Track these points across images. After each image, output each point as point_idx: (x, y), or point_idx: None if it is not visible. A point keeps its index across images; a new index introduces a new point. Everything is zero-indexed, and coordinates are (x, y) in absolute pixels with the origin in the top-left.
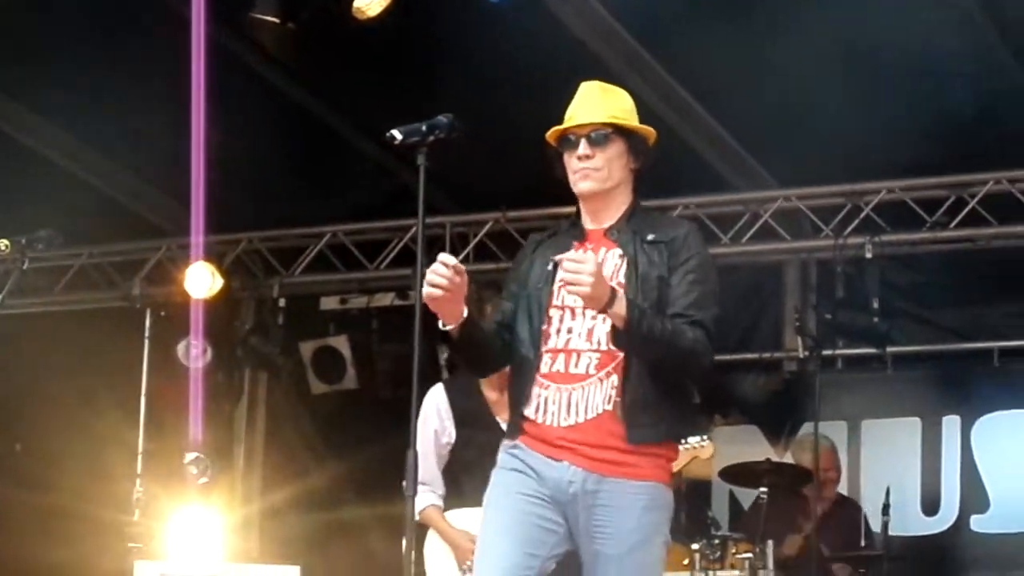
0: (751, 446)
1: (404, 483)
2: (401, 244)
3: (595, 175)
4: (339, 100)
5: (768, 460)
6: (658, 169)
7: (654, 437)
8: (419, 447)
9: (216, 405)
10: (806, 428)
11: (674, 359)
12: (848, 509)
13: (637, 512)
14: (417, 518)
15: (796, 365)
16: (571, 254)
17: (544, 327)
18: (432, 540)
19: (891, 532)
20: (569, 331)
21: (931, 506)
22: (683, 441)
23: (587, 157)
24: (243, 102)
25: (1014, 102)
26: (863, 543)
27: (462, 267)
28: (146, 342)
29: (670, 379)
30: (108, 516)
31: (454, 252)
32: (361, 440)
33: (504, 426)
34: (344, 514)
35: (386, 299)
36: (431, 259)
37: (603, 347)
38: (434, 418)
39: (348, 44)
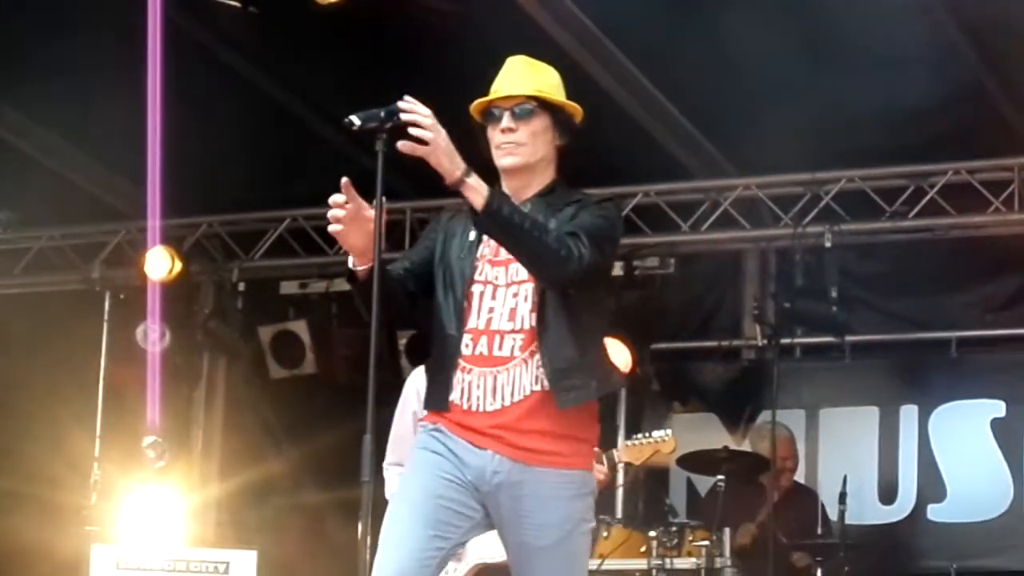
0: (709, 434)
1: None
2: None
3: (518, 150)
4: (299, 85)
5: (726, 448)
6: (618, 157)
7: (585, 397)
8: (396, 428)
9: (175, 389)
10: (764, 416)
11: (536, 253)
12: (804, 497)
13: (564, 502)
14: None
15: (755, 353)
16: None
17: (465, 303)
18: None
19: (848, 521)
20: (491, 310)
21: (888, 495)
22: (646, 435)
23: (510, 130)
24: (203, 86)
25: (974, 92)
26: (820, 531)
27: (356, 196)
28: (105, 325)
29: (587, 339)
30: (66, 499)
31: (414, 237)
32: (319, 425)
33: None
34: (302, 498)
35: (346, 284)
36: (391, 245)
37: (526, 326)
38: (413, 400)
39: (308, 29)
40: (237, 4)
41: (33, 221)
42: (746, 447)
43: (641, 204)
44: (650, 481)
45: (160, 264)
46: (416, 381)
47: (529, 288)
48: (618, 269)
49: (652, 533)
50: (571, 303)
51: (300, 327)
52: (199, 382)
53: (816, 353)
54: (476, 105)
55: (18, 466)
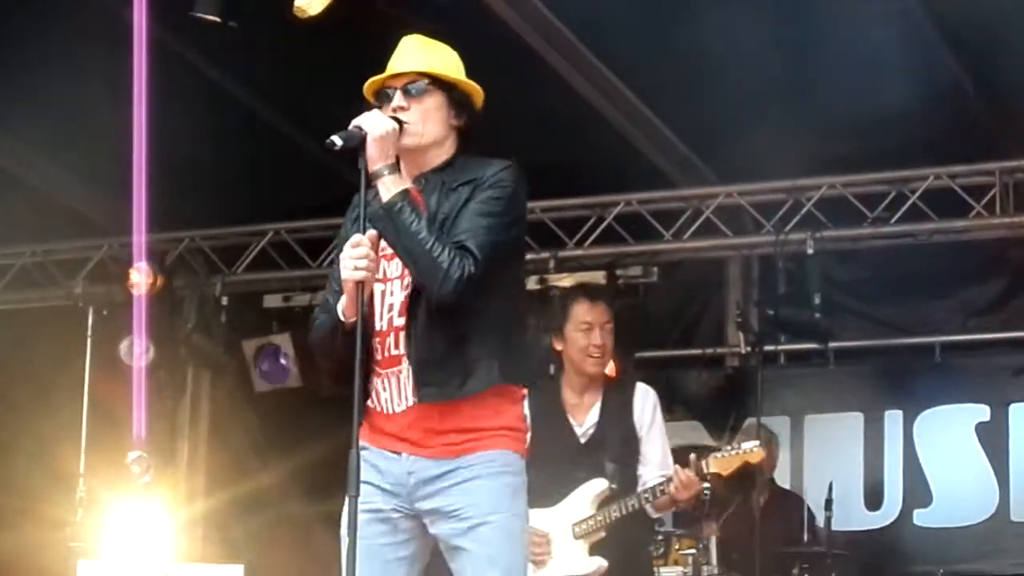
0: (694, 442)
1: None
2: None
3: (409, 129)
4: (281, 99)
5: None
6: (599, 166)
7: (444, 396)
8: None
9: (159, 403)
10: (749, 423)
11: (423, 264)
12: (790, 503)
13: (486, 480)
14: None
15: (738, 361)
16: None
17: (374, 306)
18: None
19: (834, 527)
20: (390, 308)
21: (874, 500)
22: (735, 446)
23: (401, 109)
24: (185, 100)
25: (953, 97)
26: (806, 538)
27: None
28: (88, 341)
29: (463, 331)
30: (51, 514)
31: None
32: (304, 438)
33: (577, 429)
34: (288, 512)
35: None
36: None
37: None
38: None
39: (290, 43)
40: (218, 19)
41: (15, 237)
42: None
43: (623, 213)
44: None
45: (144, 279)
46: None
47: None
48: (600, 278)
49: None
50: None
51: (284, 340)
52: (183, 396)
53: (800, 360)
54: (368, 86)
55: (3, 482)
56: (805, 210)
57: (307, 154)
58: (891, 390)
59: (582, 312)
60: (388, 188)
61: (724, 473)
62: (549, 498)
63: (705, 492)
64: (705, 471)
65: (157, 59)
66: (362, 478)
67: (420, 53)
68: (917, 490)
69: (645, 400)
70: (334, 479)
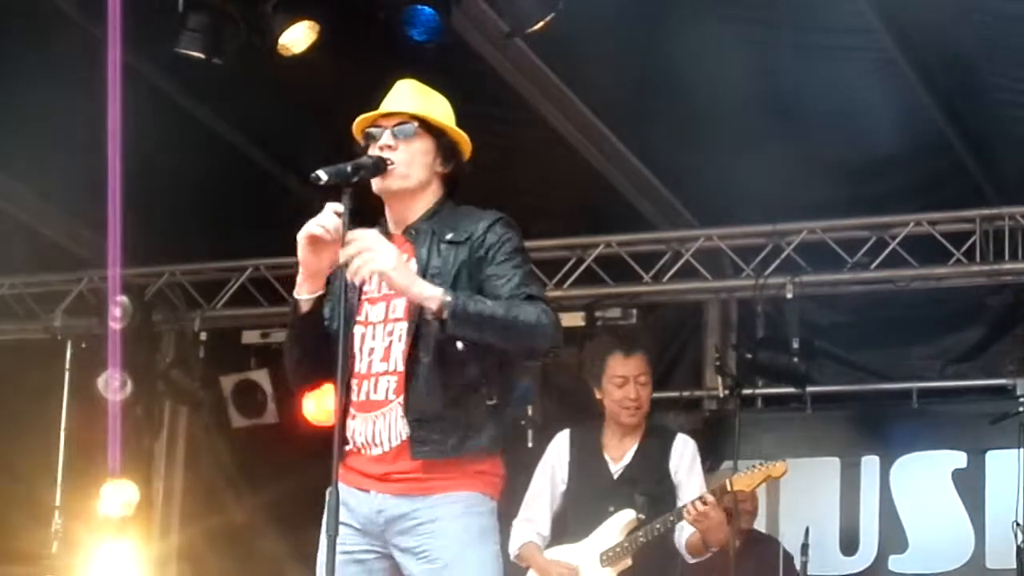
0: None
1: (324, 521)
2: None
3: (394, 170)
4: (262, 135)
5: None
6: (580, 207)
7: (440, 454)
8: (533, 486)
9: (136, 438)
10: (725, 467)
11: (518, 335)
12: (765, 546)
13: (455, 519)
14: (515, 554)
15: (716, 404)
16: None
17: (353, 347)
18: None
19: (810, 571)
20: (371, 352)
21: (850, 546)
22: (759, 463)
23: (389, 148)
24: (165, 135)
25: (934, 144)
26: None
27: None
28: (67, 374)
29: (464, 389)
30: (26, 548)
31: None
32: (281, 475)
33: (613, 467)
34: (263, 548)
35: None
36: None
37: (400, 368)
38: (554, 461)
39: (273, 79)
40: (202, 55)
41: None
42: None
43: (603, 255)
44: None
45: (122, 313)
46: (560, 443)
47: (403, 327)
48: (580, 319)
49: None
50: (451, 349)
51: (262, 376)
52: (160, 432)
53: (777, 404)
54: (358, 123)
55: None
56: (785, 254)
57: (288, 190)
58: (868, 435)
59: (616, 365)
60: (431, 296)
61: (747, 488)
62: (581, 533)
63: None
64: (729, 489)
65: (138, 93)
66: (328, 511)
67: (413, 97)
68: (893, 536)
69: (684, 449)
70: (309, 515)
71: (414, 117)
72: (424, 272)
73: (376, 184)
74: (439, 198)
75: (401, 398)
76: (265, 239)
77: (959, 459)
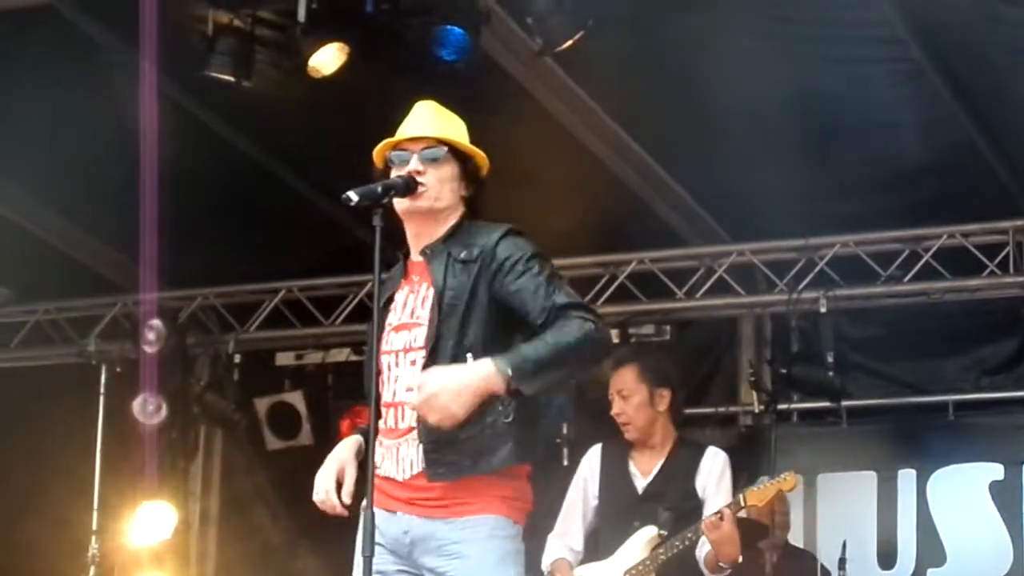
0: None
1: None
2: (356, 300)
3: (424, 193)
4: (293, 157)
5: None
6: (612, 224)
7: (456, 474)
8: (567, 500)
9: (171, 462)
10: (762, 482)
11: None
12: (802, 561)
13: (480, 542)
14: (547, 570)
15: (751, 419)
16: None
17: (380, 376)
18: None
19: None
20: (396, 380)
21: (888, 560)
22: (770, 478)
23: (418, 173)
24: (198, 159)
25: (966, 155)
26: None
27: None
28: (101, 398)
29: (474, 412)
30: (64, 574)
31: None
32: None
33: (639, 482)
34: (299, 570)
35: (341, 355)
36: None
37: None
38: (585, 473)
39: (303, 102)
40: (231, 78)
41: (29, 295)
42: (742, 514)
43: (636, 271)
44: None
45: (157, 337)
46: (592, 458)
47: (420, 355)
48: (614, 337)
49: None
50: (462, 361)
51: (296, 398)
52: (196, 455)
53: (813, 418)
54: (381, 148)
55: (15, 540)
56: (818, 268)
57: (320, 211)
58: (904, 449)
59: (611, 381)
60: (490, 382)
61: (760, 503)
62: (609, 550)
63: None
64: (743, 504)
65: (170, 117)
66: (364, 533)
67: (437, 120)
68: (931, 549)
69: (714, 464)
70: (345, 536)
71: (441, 142)
72: (441, 293)
73: (403, 205)
74: (458, 220)
75: (422, 425)
76: (298, 261)
77: (996, 471)
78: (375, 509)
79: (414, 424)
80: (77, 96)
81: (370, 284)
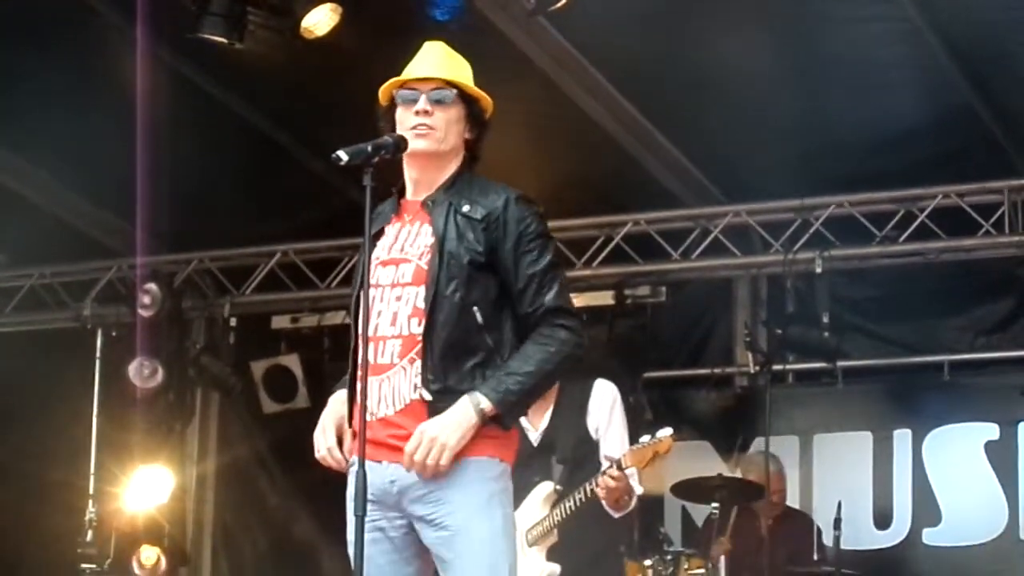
0: (703, 462)
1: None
2: (352, 263)
3: (432, 134)
4: (287, 119)
5: (720, 476)
6: (607, 186)
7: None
8: None
9: (168, 425)
10: (758, 443)
11: (556, 376)
12: (798, 522)
13: (463, 486)
14: None
15: (747, 380)
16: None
17: (360, 309)
18: None
19: (843, 546)
20: (379, 315)
21: (883, 520)
22: (651, 437)
23: (426, 113)
24: (192, 122)
25: (961, 116)
26: (816, 557)
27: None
28: (97, 362)
29: (476, 358)
30: (61, 536)
31: None
32: (313, 458)
33: (532, 435)
34: (296, 531)
35: (337, 318)
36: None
37: (404, 332)
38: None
39: (297, 63)
40: (224, 40)
41: (23, 260)
42: (739, 474)
43: (631, 233)
44: (645, 510)
45: (152, 300)
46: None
47: (411, 292)
48: (609, 298)
49: (648, 562)
50: (468, 317)
51: (292, 361)
52: (192, 418)
53: (808, 379)
54: (388, 86)
55: (11, 504)
56: (813, 229)
57: (314, 174)
58: (900, 409)
59: None
60: (479, 414)
61: (639, 465)
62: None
63: (713, 512)
64: (624, 465)
65: (165, 81)
66: (355, 492)
67: (446, 61)
68: (926, 509)
69: (602, 399)
70: (342, 499)
71: (450, 83)
72: (442, 241)
73: (414, 144)
74: (460, 166)
75: (405, 360)
76: (293, 224)
77: (991, 431)
78: (357, 457)
79: (396, 360)
80: (71, 60)
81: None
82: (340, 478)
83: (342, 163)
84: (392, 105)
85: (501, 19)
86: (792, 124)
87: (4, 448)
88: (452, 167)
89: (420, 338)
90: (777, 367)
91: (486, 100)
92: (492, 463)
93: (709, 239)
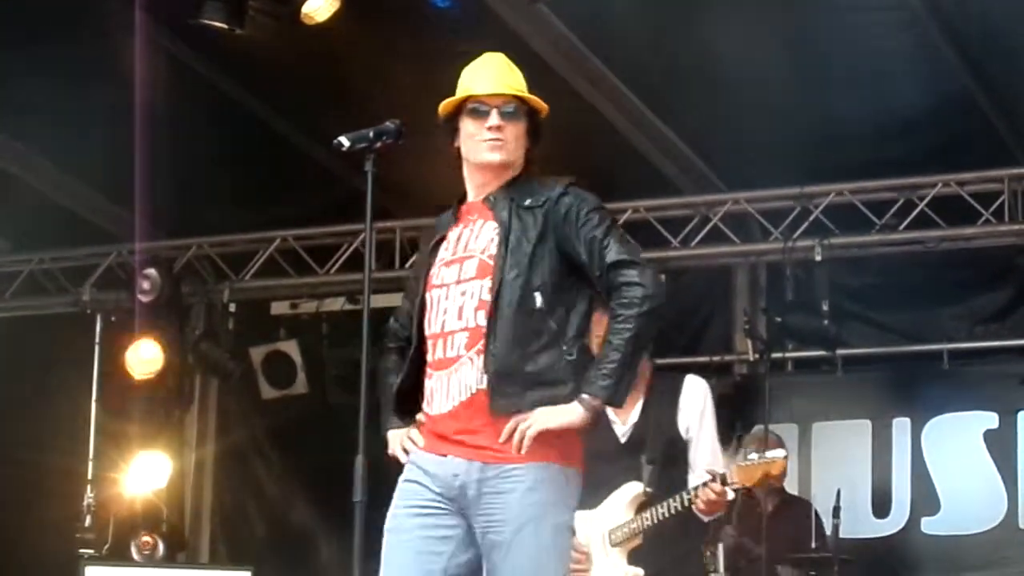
0: None
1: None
2: (351, 249)
3: (504, 147)
4: (288, 105)
5: None
6: (607, 173)
7: (516, 407)
8: None
9: (166, 410)
10: (756, 431)
11: (645, 341)
12: (798, 509)
13: (519, 495)
14: None
15: (746, 368)
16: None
17: (426, 312)
18: None
19: (842, 534)
20: (445, 312)
21: (882, 508)
22: (760, 455)
23: (498, 128)
24: (192, 108)
25: (961, 105)
26: (814, 544)
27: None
28: (96, 348)
29: (538, 342)
30: (60, 521)
31: (404, 257)
32: (311, 444)
33: (620, 429)
34: (294, 518)
35: (336, 304)
36: (381, 264)
37: (471, 324)
38: None
39: (298, 49)
40: (224, 26)
41: (23, 245)
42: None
43: (630, 220)
44: None
45: (151, 286)
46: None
47: (476, 286)
48: None
49: None
50: (530, 305)
51: (291, 347)
52: (191, 403)
53: (808, 367)
54: (456, 99)
55: (10, 489)
56: (813, 217)
57: (314, 160)
58: (899, 397)
59: (595, 323)
60: (588, 409)
61: (748, 483)
62: (590, 503)
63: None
64: (730, 481)
65: (165, 67)
66: (410, 477)
67: (511, 76)
68: (925, 498)
69: (693, 397)
70: (340, 486)
71: (518, 99)
72: (507, 234)
73: (490, 155)
74: (519, 171)
75: (472, 352)
76: (292, 210)
77: (990, 420)
78: (425, 453)
79: (463, 351)
80: (71, 45)
81: (364, 233)
82: (338, 464)
83: (344, 149)
84: (454, 115)
85: (500, 6)
86: (792, 112)
87: (2, 433)
88: (512, 173)
89: (486, 327)
90: (776, 355)
91: (546, 113)
92: (554, 468)
93: (708, 227)
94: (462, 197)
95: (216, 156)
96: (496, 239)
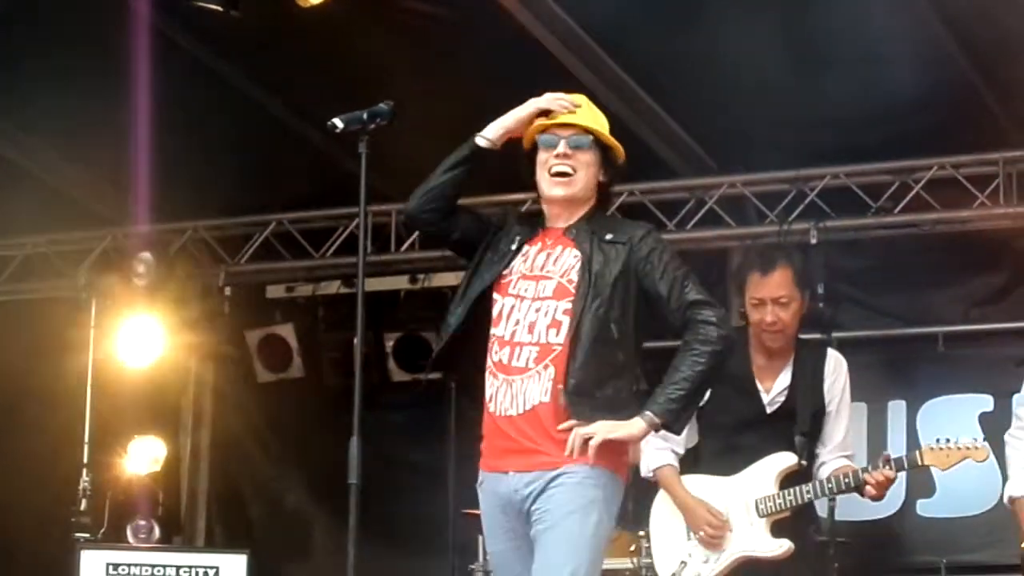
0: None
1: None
2: (347, 232)
3: (569, 180)
4: (283, 88)
5: None
6: None
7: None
8: None
9: (162, 394)
10: None
11: (713, 371)
12: None
13: (570, 487)
14: (650, 475)
15: None
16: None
17: (496, 308)
18: (662, 501)
19: (837, 516)
20: (517, 322)
21: None
22: (955, 440)
23: (565, 156)
24: (187, 91)
25: (957, 87)
26: (810, 528)
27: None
28: (92, 331)
29: (610, 370)
30: (55, 505)
31: (400, 240)
32: (307, 427)
33: (764, 396)
34: (290, 500)
35: (332, 287)
36: (377, 247)
37: (542, 340)
38: None
39: (292, 32)
40: (219, 8)
41: (18, 228)
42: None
43: (626, 203)
44: (638, 480)
45: (147, 269)
46: None
47: (551, 305)
48: None
49: (641, 532)
50: (607, 334)
51: (287, 331)
52: (187, 387)
53: None
54: (532, 130)
55: (5, 473)
56: (808, 200)
57: (309, 143)
58: (894, 380)
59: (753, 286)
60: (647, 428)
61: (942, 467)
62: (726, 469)
63: None
64: (920, 462)
65: (160, 50)
66: (486, 507)
67: (585, 111)
68: (920, 480)
69: (838, 371)
70: (336, 468)
71: (588, 131)
72: (589, 262)
73: (553, 191)
74: (593, 204)
75: (539, 367)
76: (288, 193)
77: (986, 402)
78: (489, 473)
79: (531, 365)
80: (67, 28)
81: (358, 218)
82: (332, 448)
83: (337, 131)
84: (534, 148)
85: None
86: (787, 94)
87: None
88: (586, 205)
89: (558, 347)
90: None
91: (619, 149)
92: (603, 472)
93: (704, 210)
94: (540, 214)
95: (211, 139)
96: (578, 266)
